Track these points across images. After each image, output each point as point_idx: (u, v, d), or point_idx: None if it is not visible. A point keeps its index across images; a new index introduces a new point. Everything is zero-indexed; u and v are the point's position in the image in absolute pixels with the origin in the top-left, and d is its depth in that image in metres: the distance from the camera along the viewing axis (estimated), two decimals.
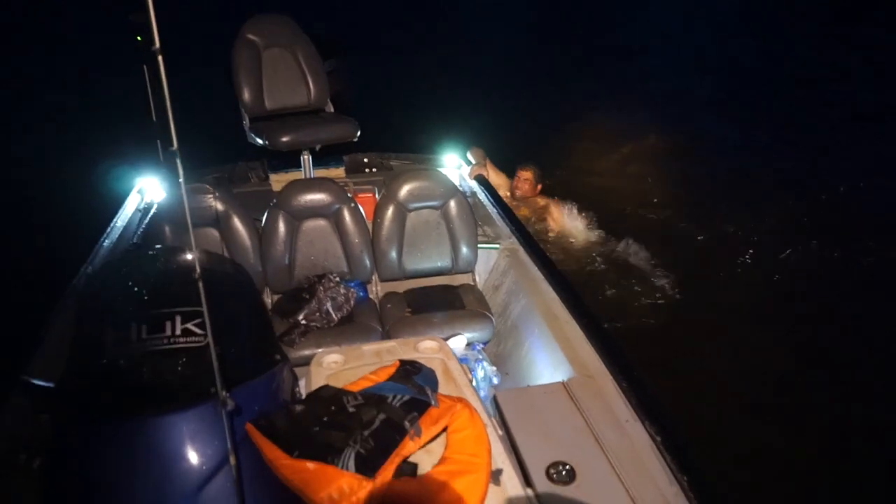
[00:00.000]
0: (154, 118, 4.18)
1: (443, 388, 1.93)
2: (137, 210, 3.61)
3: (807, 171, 6.10)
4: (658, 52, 11.22)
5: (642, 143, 7.05)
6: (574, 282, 2.80)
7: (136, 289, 1.82)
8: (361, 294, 3.12)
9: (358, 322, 2.90)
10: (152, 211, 3.44)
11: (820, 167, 6.15)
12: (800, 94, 8.46)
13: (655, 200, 5.62)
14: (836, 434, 3.11)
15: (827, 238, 4.83)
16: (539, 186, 5.04)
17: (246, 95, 3.70)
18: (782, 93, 8.62)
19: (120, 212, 3.51)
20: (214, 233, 3.02)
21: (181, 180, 1.22)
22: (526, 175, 5.03)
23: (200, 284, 1.30)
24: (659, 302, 4.23)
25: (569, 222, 4.76)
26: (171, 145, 1.22)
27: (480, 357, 2.79)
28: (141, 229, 3.35)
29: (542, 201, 5.04)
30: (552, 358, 2.49)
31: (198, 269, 1.30)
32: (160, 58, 1.11)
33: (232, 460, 1.43)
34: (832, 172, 6.00)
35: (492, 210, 3.63)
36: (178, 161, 1.22)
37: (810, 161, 6.34)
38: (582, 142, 7.25)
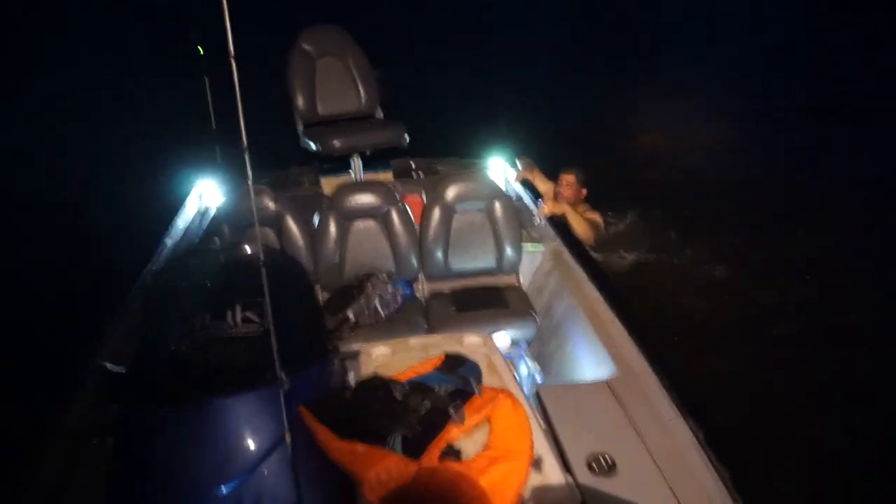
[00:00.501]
0: (213, 125, 4.39)
1: (487, 381, 1.98)
2: (198, 212, 3.80)
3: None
4: (706, 43, 10.93)
5: (688, 140, 6.96)
6: (617, 283, 2.82)
7: (200, 282, 1.94)
8: (408, 292, 3.20)
9: (405, 319, 2.98)
10: (212, 212, 3.62)
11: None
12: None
13: (697, 196, 5.54)
14: (887, 429, 3.02)
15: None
16: (584, 191, 4.99)
17: (300, 102, 3.85)
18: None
19: (180, 212, 3.70)
20: (270, 232, 3.16)
21: (249, 175, 1.31)
22: (568, 179, 4.99)
23: (264, 273, 1.39)
24: (700, 298, 4.19)
25: (591, 232, 4.66)
26: (242, 143, 1.32)
27: (524, 355, 2.83)
28: (202, 230, 3.53)
29: (581, 207, 5.00)
30: (595, 357, 2.51)
31: (261, 258, 1.39)
32: (233, 62, 1.21)
33: (287, 438, 1.52)
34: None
35: (536, 212, 3.67)
36: (247, 158, 1.31)
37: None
38: (629, 140, 7.19)
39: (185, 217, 3.66)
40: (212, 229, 3.36)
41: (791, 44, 10.06)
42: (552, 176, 5.05)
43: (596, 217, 4.56)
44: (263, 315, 1.76)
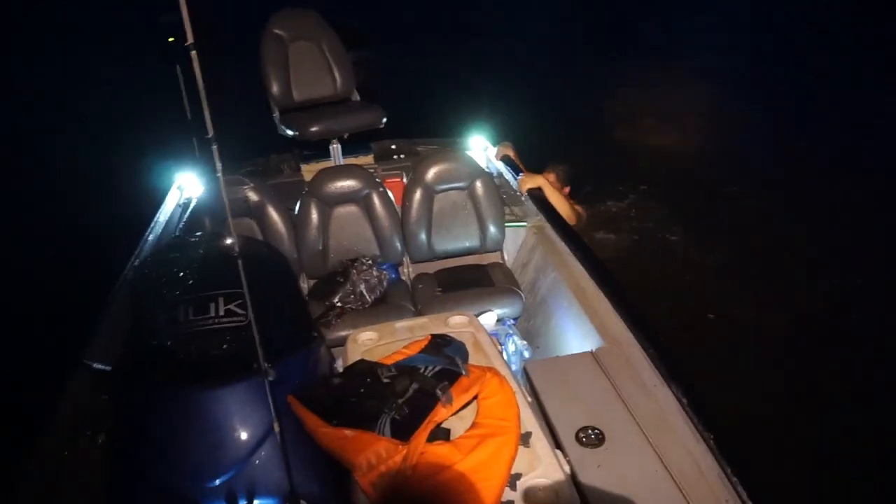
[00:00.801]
0: (189, 115, 4.32)
1: (473, 360, 2.00)
2: (178, 205, 3.76)
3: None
4: (697, 37, 10.83)
5: (678, 126, 6.95)
6: (600, 256, 2.83)
7: (181, 274, 1.93)
8: (393, 276, 3.20)
9: (391, 302, 2.99)
10: (192, 205, 3.59)
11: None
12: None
13: (685, 179, 5.57)
14: (860, 396, 3.09)
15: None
16: (566, 189, 4.85)
17: (275, 88, 3.80)
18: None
19: (162, 207, 3.67)
20: (251, 222, 3.14)
21: (218, 167, 1.30)
22: (549, 178, 4.89)
23: (241, 265, 1.39)
24: (679, 267, 4.24)
25: (567, 206, 4.54)
26: (207, 134, 1.30)
27: (511, 332, 2.85)
28: (182, 222, 3.50)
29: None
30: (581, 330, 2.54)
31: (237, 251, 1.39)
32: (194, 53, 1.19)
33: (276, 428, 1.53)
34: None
35: (516, 187, 3.67)
36: (215, 148, 1.30)
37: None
38: (614, 127, 7.16)
39: (166, 211, 3.63)
40: (192, 222, 3.33)
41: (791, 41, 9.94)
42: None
43: (579, 209, 4.51)
44: (246, 306, 1.76)
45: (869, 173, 5.65)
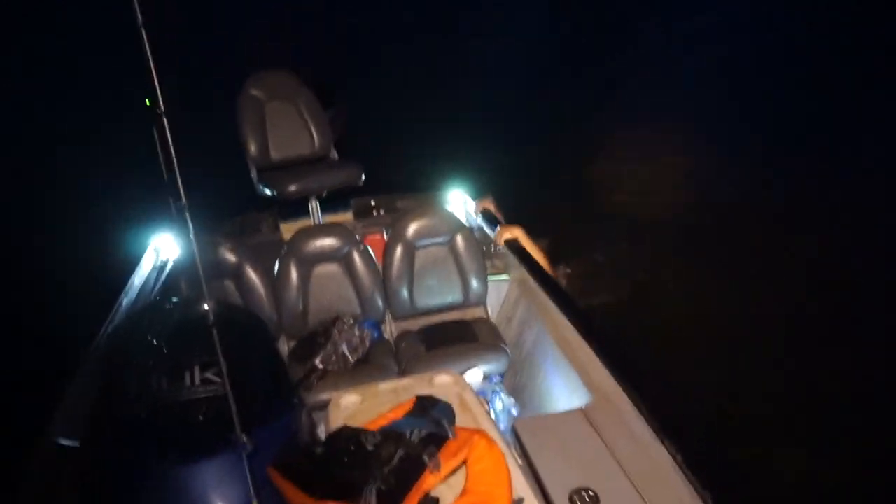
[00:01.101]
0: (165, 177, 4.30)
1: (460, 420, 1.94)
2: (154, 268, 3.70)
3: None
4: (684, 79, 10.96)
5: (655, 170, 7.05)
6: (584, 306, 2.82)
7: (155, 342, 1.87)
8: (376, 334, 3.16)
9: (374, 362, 2.94)
10: (168, 267, 3.54)
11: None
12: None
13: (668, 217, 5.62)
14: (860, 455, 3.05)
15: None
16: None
17: (252, 148, 3.82)
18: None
19: (137, 270, 3.60)
20: (229, 284, 3.10)
21: (191, 233, 1.28)
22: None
23: (215, 333, 1.35)
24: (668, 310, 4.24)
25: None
26: (181, 200, 1.29)
27: (497, 389, 2.80)
28: (159, 285, 3.44)
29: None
30: (569, 384, 2.50)
31: (211, 319, 1.35)
32: (164, 120, 1.19)
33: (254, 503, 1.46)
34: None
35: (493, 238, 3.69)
36: (188, 215, 1.28)
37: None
38: (593, 171, 7.26)
39: (142, 274, 3.56)
40: (169, 285, 3.27)
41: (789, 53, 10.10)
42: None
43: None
44: (222, 374, 1.70)
45: (869, 173, 5.73)
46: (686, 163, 6.84)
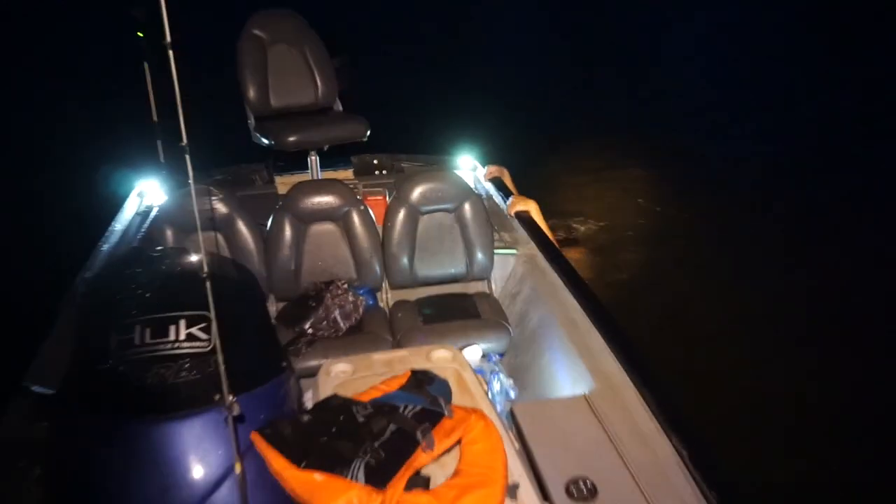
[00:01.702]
0: (155, 117, 4.28)
1: (457, 399, 1.96)
2: (137, 214, 3.69)
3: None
4: (681, 60, 11.15)
5: (670, 142, 7.08)
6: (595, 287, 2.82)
7: (139, 291, 1.87)
8: (371, 302, 3.17)
9: (367, 331, 2.96)
10: (152, 214, 3.53)
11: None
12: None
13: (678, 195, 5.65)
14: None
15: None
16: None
17: (251, 93, 3.78)
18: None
19: (119, 215, 3.59)
20: (218, 237, 3.09)
21: (191, 178, 1.27)
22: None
23: (209, 286, 1.35)
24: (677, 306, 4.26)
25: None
26: (181, 141, 1.27)
27: (496, 369, 2.81)
28: (141, 233, 3.43)
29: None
30: (573, 370, 2.51)
31: (205, 270, 1.35)
32: (171, 52, 1.17)
33: (237, 469, 1.47)
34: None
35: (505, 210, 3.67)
36: (188, 158, 1.27)
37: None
38: (603, 145, 7.29)
39: (124, 219, 3.55)
40: (152, 233, 3.26)
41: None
42: (525, 188, 4.99)
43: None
44: (209, 330, 1.71)
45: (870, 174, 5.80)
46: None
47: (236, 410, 1.47)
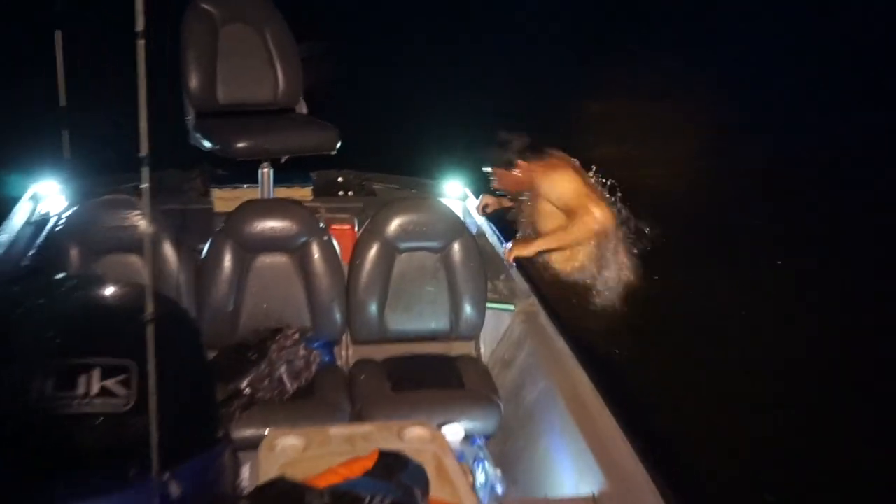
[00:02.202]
0: (63, 101, 4.28)
1: (435, 491, 1.96)
2: (28, 223, 3.67)
3: None
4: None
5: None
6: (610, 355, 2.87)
7: (37, 328, 1.86)
8: (327, 358, 3.17)
9: (320, 396, 2.95)
10: (49, 225, 3.51)
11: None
12: None
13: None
14: None
15: None
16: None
17: (193, 83, 3.81)
18: None
19: (5, 224, 3.57)
20: (135, 261, 3.07)
21: (146, 197, 1.28)
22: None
23: (149, 330, 1.35)
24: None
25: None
26: (139, 151, 1.30)
27: (481, 455, 2.82)
28: (33, 249, 3.41)
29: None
30: (578, 461, 2.53)
31: (148, 312, 1.36)
32: (141, 43, 1.20)
33: None
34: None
35: (503, 253, 3.73)
36: (146, 171, 1.28)
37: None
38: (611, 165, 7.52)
39: (11, 229, 3.54)
40: (50, 250, 3.24)
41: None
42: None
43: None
44: (130, 385, 1.70)
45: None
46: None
47: (159, 492, 1.47)
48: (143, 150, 1.32)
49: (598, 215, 3.89)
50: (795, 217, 5.98)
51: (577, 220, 3.87)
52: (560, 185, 3.98)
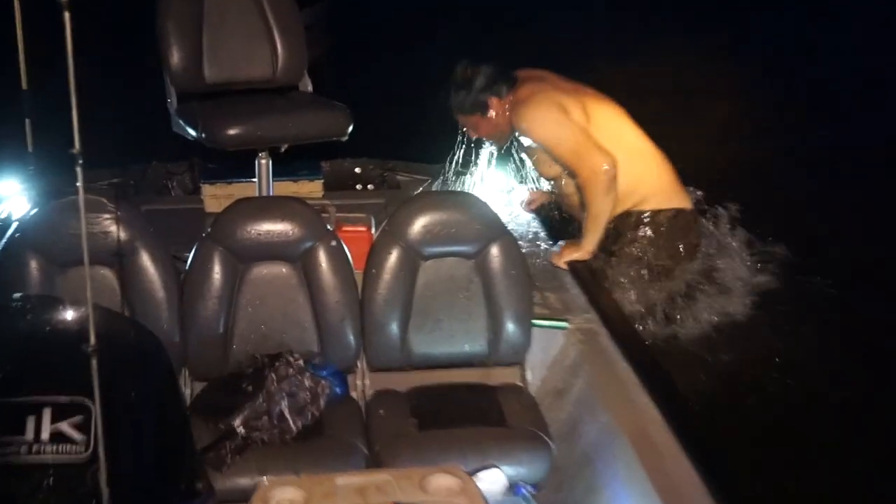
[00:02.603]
0: (25, 84, 4.33)
1: None
2: None
3: None
4: None
5: None
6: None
7: None
8: (339, 391, 3.16)
9: (330, 436, 2.95)
10: (9, 232, 3.56)
11: None
12: None
13: None
14: None
15: None
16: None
17: (175, 59, 3.84)
18: None
19: None
20: (108, 275, 3.11)
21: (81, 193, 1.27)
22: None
23: (94, 365, 1.34)
24: None
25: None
26: (72, 146, 1.29)
27: None
28: None
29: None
30: None
31: (92, 339, 1.35)
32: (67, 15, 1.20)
33: None
34: None
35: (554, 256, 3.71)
36: (79, 171, 1.28)
37: None
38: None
39: None
40: (7, 260, 3.29)
41: None
42: None
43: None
44: (88, 428, 1.70)
45: None
46: None
47: None
48: (76, 144, 1.31)
49: (598, 158, 3.87)
50: None
51: (583, 178, 3.90)
52: (537, 125, 3.99)
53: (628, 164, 3.88)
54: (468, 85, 4.08)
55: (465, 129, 4.26)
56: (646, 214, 4.15)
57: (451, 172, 4.63)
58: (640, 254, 4.13)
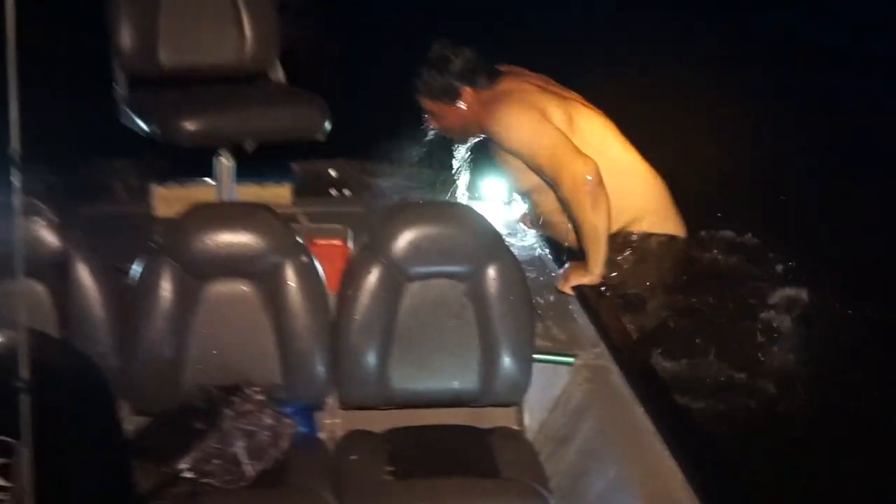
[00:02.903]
0: None
1: None
2: None
3: None
4: None
5: None
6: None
7: None
8: (304, 429, 3.18)
9: (293, 483, 2.94)
10: None
11: None
12: None
13: None
14: None
15: None
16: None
17: (125, 38, 3.86)
18: None
19: None
20: (41, 290, 3.09)
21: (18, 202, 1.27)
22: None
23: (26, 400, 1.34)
24: None
25: None
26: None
27: None
28: None
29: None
30: None
31: (23, 372, 1.34)
32: None
33: None
34: None
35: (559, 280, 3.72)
36: (17, 178, 1.27)
37: None
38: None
39: None
40: None
41: None
42: None
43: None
44: (14, 474, 1.69)
45: None
46: None
47: None
48: (14, 143, 1.31)
49: (581, 165, 3.85)
50: None
51: (565, 189, 3.89)
52: (512, 129, 4.00)
53: (611, 180, 3.88)
54: (443, 66, 4.09)
55: (426, 115, 4.25)
56: (634, 236, 4.17)
57: (442, 179, 4.65)
58: (618, 280, 4.12)
